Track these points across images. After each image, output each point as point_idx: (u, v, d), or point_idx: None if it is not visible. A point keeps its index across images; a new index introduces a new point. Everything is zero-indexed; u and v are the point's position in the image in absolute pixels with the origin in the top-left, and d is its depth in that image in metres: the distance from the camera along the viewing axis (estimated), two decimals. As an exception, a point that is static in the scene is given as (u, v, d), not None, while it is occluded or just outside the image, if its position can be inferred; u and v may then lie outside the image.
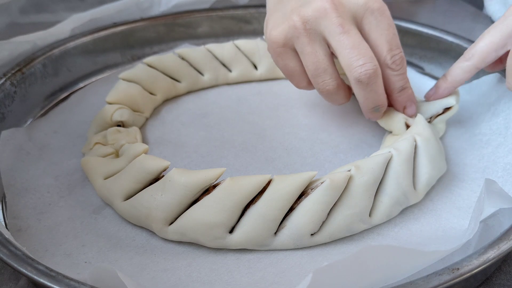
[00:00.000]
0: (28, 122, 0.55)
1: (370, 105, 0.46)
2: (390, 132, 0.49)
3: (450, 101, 0.49)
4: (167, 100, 0.59)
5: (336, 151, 0.50)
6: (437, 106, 0.49)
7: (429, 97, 0.50)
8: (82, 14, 0.63)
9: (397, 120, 0.48)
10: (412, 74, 0.61)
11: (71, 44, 0.60)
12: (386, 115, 0.48)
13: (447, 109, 0.49)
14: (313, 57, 0.45)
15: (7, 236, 0.36)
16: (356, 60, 0.43)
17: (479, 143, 0.50)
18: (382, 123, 0.49)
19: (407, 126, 0.47)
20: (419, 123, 0.46)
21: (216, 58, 0.60)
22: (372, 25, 0.44)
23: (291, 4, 0.46)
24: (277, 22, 0.46)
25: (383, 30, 0.44)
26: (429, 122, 0.49)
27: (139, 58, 0.65)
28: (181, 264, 0.39)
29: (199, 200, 0.40)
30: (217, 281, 0.38)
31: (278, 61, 0.48)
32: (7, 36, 0.57)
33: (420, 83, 0.59)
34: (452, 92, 0.49)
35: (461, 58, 0.47)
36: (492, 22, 0.75)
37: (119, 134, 0.49)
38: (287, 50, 0.46)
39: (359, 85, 0.44)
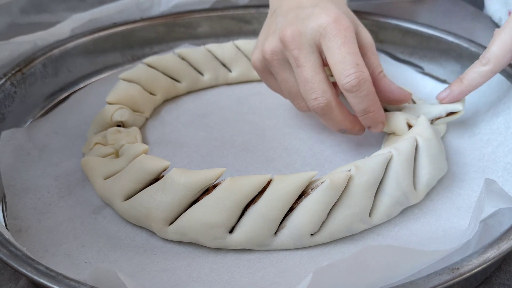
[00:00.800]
0: (28, 123, 0.55)
1: (333, 128, 0.48)
2: (392, 132, 0.49)
3: (457, 106, 0.49)
4: (167, 100, 0.59)
5: (336, 151, 0.50)
6: (441, 109, 0.49)
7: (442, 99, 0.49)
8: (82, 14, 0.63)
9: (398, 121, 0.47)
10: (412, 74, 0.61)
11: (71, 44, 0.60)
12: (386, 119, 0.48)
13: (450, 113, 0.49)
14: (285, 84, 0.47)
15: (7, 237, 0.36)
16: (309, 94, 0.44)
17: (479, 143, 0.50)
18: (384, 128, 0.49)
19: (409, 126, 0.47)
20: (421, 123, 0.46)
21: (216, 58, 0.60)
22: (327, 48, 0.43)
23: (271, 27, 0.47)
24: (258, 45, 0.49)
25: (335, 50, 0.43)
26: (431, 123, 0.49)
27: (139, 58, 0.65)
28: (181, 264, 0.39)
29: (199, 200, 0.40)
30: (217, 281, 0.38)
31: (263, 80, 0.51)
32: (7, 36, 0.57)
33: (420, 83, 0.59)
34: (466, 95, 0.49)
35: (477, 63, 0.47)
36: (492, 22, 0.75)
37: (119, 134, 0.49)
38: (266, 73, 0.49)
39: (316, 114, 0.46)
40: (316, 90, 0.44)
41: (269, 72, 0.48)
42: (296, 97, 0.47)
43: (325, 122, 0.47)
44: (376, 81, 0.47)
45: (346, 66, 0.43)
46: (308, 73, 0.44)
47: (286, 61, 0.46)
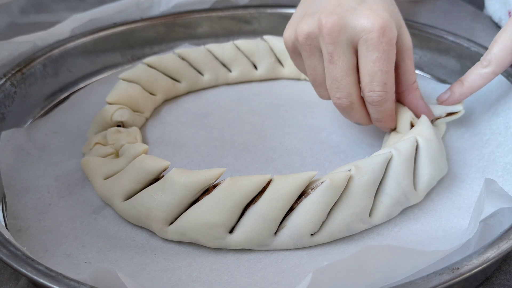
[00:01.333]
0: (28, 123, 0.55)
1: (350, 120, 0.48)
2: (391, 131, 0.49)
3: (457, 106, 0.49)
4: (167, 100, 0.59)
5: (336, 151, 0.50)
6: (441, 109, 0.49)
7: (442, 101, 0.49)
8: (82, 14, 0.63)
9: (403, 119, 0.47)
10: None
11: (71, 44, 0.60)
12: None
13: (450, 113, 0.49)
14: (311, 70, 0.46)
15: (7, 237, 0.36)
16: (334, 92, 0.44)
17: (479, 143, 0.50)
18: None
19: (412, 125, 0.47)
20: (422, 124, 0.46)
21: (216, 58, 0.60)
22: (363, 54, 0.42)
23: (311, 7, 0.45)
24: (292, 22, 0.47)
25: (369, 62, 0.42)
26: (431, 123, 0.49)
27: (139, 58, 0.65)
28: (181, 264, 0.39)
29: (199, 200, 0.40)
30: (217, 281, 0.38)
31: (291, 58, 0.49)
32: (7, 36, 0.57)
33: (420, 83, 0.59)
34: (467, 97, 0.49)
35: (478, 64, 0.47)
36: (492, 22, 0.75)
37: (119, 134, 0.49)
38: (296, 54, 0.47)
39: (337, 108, 0.46)
40: (342, 91, 0.44)
41: (299, 53, 0.47)
42: (320, 86, 0.47)
43: (344, 115, 0.47)
44: (407, 90, 0.47)
45: (374, 82, 0.43)
46: (338, 72, 0.43)
47: (319, 48, 0.44)
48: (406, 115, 0.47)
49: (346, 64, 0.43)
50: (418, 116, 0.48)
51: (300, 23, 0.44)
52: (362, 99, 0.45)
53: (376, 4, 0.42)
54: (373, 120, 0.47)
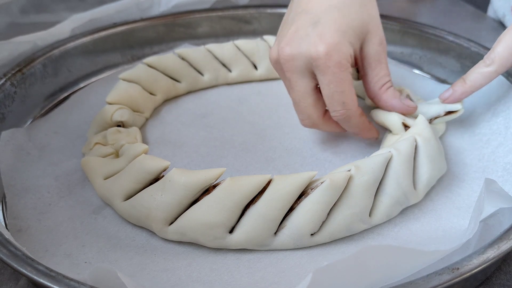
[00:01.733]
0: (28, 123, 0.55)
1: None
2: (390, 131, 0.49)
3: (456, 105, 0.49)
4: (167, 100, 0.59)
5: (336, 151, 0.50)
6: (440, 108, 0.49)
7: (444, 99, 0.49)
8: (82, 14, 0.63)
9: (393, 122, 0.47)
10: (412, 74, 0.61)
11: (71, 44, 0.60)
12: (381, 114, 0.48)
13: (449, 112, 0.49)
14: (287, 87, 0.48)
15: (7, 237, 0.36)
16: (297, 113, 0.48)
17: (479, 143, 0.50)
18: (379, 119, 0.49)
19: (405, 126, 0.47)
20: (420, 123, 0.46)
21: (216, 58, 0.60)
22: (318, 79, 0.44)
23: (284, 28, 0.46)
24: (276, 39, 0.48)
25: (324, 85, 0.44)
26: (430, 122, 0.49)
27: (139, 58, 0.65)
28: (181, 264, 0.39)
29: (199, 200, 0.40)
30: (217, 281, 0.38)
31: None
32: (7, 36, 0.57)
33: (420, 83, 0.59)
34: (469, 96, 0.49)
35: (480, 63, 0.47)
36: (493, 22, 0.75)
37: (119, 134, 0.49)
38: None
39: None
40: (302, 113, 0.47)
41: None
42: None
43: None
44: (377, 96, 0.48)
45: (333, 103, 0.44)
46: (297, 96, 0.46)
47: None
48: (395, 117, 0.47)
49: (302, 89, 0.45)
50: (404, 114, 0.48)
51: (273, 46, 0.47)
52: (327, 115, 0.47)
53: (330, 24, 0.43)
54: (351, 133, 0.48)
